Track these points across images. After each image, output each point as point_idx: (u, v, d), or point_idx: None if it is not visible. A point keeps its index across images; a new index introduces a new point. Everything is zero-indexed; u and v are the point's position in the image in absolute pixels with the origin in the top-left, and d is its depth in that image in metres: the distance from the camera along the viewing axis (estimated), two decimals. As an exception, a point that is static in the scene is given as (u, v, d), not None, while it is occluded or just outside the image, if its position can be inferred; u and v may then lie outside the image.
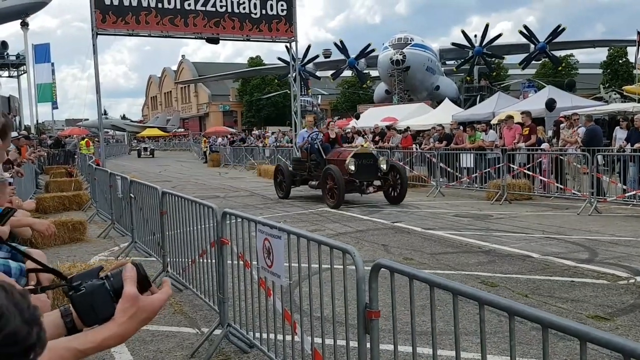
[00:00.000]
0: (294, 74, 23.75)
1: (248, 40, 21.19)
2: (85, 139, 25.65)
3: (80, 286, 1.13)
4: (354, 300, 2.85)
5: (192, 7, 19.20)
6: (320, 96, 61.61)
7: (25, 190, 13.20)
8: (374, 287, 2.56)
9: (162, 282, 1.28)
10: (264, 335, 4.08)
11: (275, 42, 21.76)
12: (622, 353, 1.44)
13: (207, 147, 35.82)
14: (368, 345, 2.79)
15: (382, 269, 2.53)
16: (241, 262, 4.43)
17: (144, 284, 1.19)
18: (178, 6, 19.00)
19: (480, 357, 2.09)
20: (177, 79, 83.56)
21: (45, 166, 23.61)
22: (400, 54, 43.79)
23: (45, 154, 24.51)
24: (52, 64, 52.18)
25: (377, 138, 22.07)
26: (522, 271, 6.71)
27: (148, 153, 44.86)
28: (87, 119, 56.22)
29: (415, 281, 2.47)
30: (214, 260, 4.84)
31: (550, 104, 18.97)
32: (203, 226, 5.10)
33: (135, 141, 68.38)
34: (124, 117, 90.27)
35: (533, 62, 47.42)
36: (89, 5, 17.74)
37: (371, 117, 32.43)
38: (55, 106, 53.06)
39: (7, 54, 52.64)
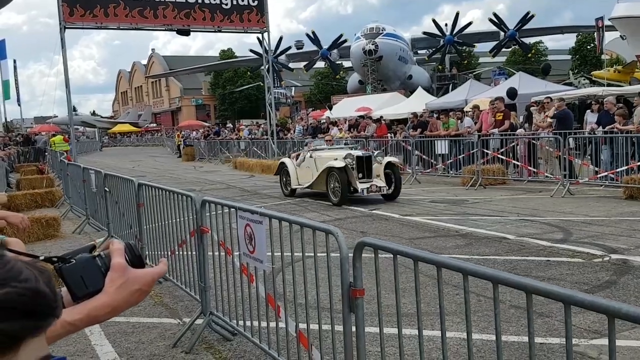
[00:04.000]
0: (266, 66, 23.62)
1: (219, 31, 20.99)
2: (63, 136, 25.00)
3: (71, 259, 1.10)
4: (338, 286, 2.85)
5: (162, -2, 18.92)
6: (293, 88, 61.37)
7: (-5, 188, 12.91)
8: (357, 266, 2.57)
9: (159, 261, 1.26)
10: (248, 323, 4.07)
11: (247, 32, 21.59)
12: (606, 314, 1.47)
13: (180, 141, 35.43)
14: (353, 328, 2.81)
15: (366, 247, 2.54)
16: (222, 250, 4.41)
17: (136, 264, 1.17)
18: (147, -3, 18.71)
19: (464, 335, 2.12)
20: (148, 73, 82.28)
21: (16, 164, 23.11)
22: (372, 44, 43.81)
23: (15, 151, 24.00)
24: (14, 61, 50.81)
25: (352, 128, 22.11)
26: (498, 252, 6.81)
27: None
28: (57, 116, 55.12)
29: (399, 264, 2.49)
30: (194, 252, 4.80)
31: (512, 93, 19.25)
32: (181, 218, 5.06)
33: (107, 137, 67.36)
34: (94, 114, 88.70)
35: (503, 49, 47.94)
36: (55, -2, 17.35)
37: (345, 107, 32.43)
38: (18, 103, 51.68)
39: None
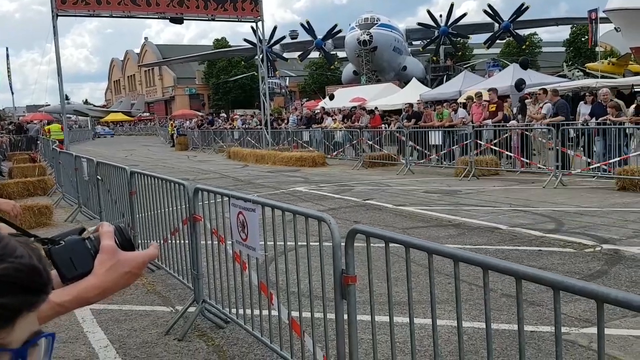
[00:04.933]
0: (260, 56, 23.50)
1: (213, 20, 20.87)
2: (60, 124, 24.71)
3: (60, 241, 1.10)
4: (331, 275, 2.86)
5: (155, -14, 18.76)
6: (288, 78, 61.17)
7: (-13, 176, 12.83)
8: (350, 252, 2.57)
9: (150, 244, 1.26)
10: (240, 311, 4.08)
11: (240, 21, 21.48)
12: (595, 299, 1.48)
13: (174, 130, 35.27)
14: (345, 316, 2.82)
15: (358, 234, 2.54)
16: (215, 239, 4.40)
17: (127, 247, 1.16)
18: (140, -15, 18.54)
19: (453, 324, 2.13)
20: (141, 62, 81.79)
21: (8, 153, 22.97)
22: (367, 34, 43.67)
23: (7, 140, 23.84)
24: (7, 49, 50.39)
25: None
26: (491, 242, 6.84)
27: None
28: (49, 104, 54.69)
29: (392, 252, 2.49)
30: (186, 241, 4.80)
31: (519, 85, 19.23)
32: (174, 206, 5.05)
33: (99, 127, 67.04)
34: (86, 102, 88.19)
35: (498, 41, 47.91)
36: (47, -15, 17.17)
37: (340, 98, 32.37)
38: (11, 91, 51.27)
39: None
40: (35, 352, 0.61)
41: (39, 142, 23.81)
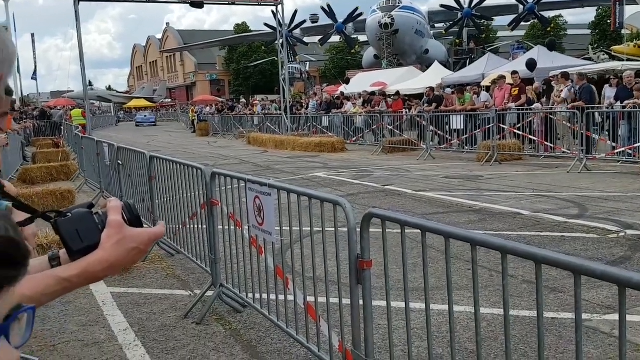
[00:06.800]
0: (281, 40, 23.40)
1: (233, 4, 20.82)
2: (82, 110, 24.99)
3: (67, 214, 1.09)
4: (346, 260, 2.83)
5: (175, -29, 18.75)
6: (308, 63, 60.93)
7: (12, 162, 13.05)
8: (365, 237, 2.53)
9: (157, 223, 1.24)
10: (257, 295, 4.08)
11: (261, 5, 21.41)
12: (617, 283, 1.42)
13: (194, 116, 35.44)
14: (361, 301, 2.79)
15: (374, 218, 2.50)
16: (232, 223, 4.40)
17: (134, 224, 1.14)
18: (161, -30, 18.55)
19: (473, 311, 2.09)
20: (163, 48, 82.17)
21: (32, 138, 23.32)
22: (388, 17, 43.19)
23: (32, 125, 24.18)
24: (32, 35, 50.78)
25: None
26: (512, 228, 6.74)
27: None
28: (72, 90, 55.33)
29: (410, 238, 2.45)
30: (204, 226, 4.81)
31: (531, 64, 18.85)
32: (192, 191, 5.06)
33: (122, 112, 67.68)
34: (109, 88, 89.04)
35: (522, 23, 46.97)
36: (69, -29, 17.26)
37: (360, 82, 32.13)
38: (34, 77, 51.68)
39: (-12, 25, 51.18)
40: (16, 327, 0.60)
41: (62, 127, 24.10)
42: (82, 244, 1.08)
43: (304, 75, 55.67)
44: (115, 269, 1.09)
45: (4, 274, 0.57)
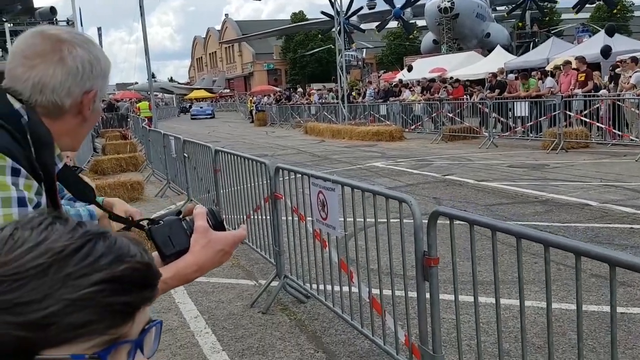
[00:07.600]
0: (337, 28, 23.35)
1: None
2: (148, 102, 25.91)
3: (159, 221, 1.20)
4: (410, 253, 2.85)
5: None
6: (365, 50, 60.41)
7: (84, 153, 13.68)
8: (432, 234, 2.55)
9: (239, 226, 1.32)
10: (321, 287, 4.17)
11: (318, -5, 21.35)
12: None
13: (252, 106, 35.97)
14: (427, 295, 2.81)
15: (441, 216, 2.52)
16: (295, 216, 4.49)
17: (218, 229, 1.23)
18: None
19: (543, 304, 2.08)
20: (222, 39, 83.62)
21: (100, 129, 24.31)
22: (448, 1, 42.22)
23: (100, 117, 25.18)
24: (99, 28, 52.77)
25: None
26: (580, 220, 6.55)
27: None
28: (137, 83, 57.22)
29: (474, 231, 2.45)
30: (268, 217, 4.93)
31: (606, 51, 18.00)
32: (256, 183, 5.19)
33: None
34: (171, 80, 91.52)
35: (587, 5, 44.89)
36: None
37: (419, 68, 31.65)
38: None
39: (56, 19, 53.48)
40: (149, 339, 0.67)
41: (129, 119, 25.01)
42: (174, 249, 1.18)
43: (360, 63, 55.35)
44: (204, 270, 1.19)
45: (144, 295, 0.64)
